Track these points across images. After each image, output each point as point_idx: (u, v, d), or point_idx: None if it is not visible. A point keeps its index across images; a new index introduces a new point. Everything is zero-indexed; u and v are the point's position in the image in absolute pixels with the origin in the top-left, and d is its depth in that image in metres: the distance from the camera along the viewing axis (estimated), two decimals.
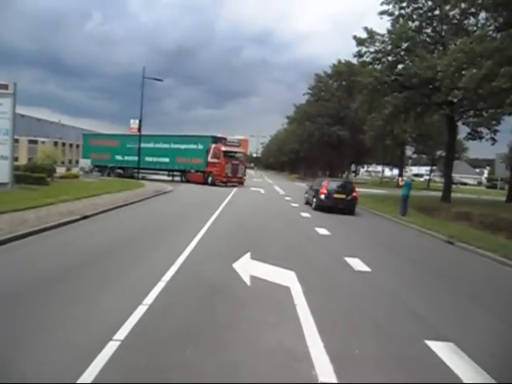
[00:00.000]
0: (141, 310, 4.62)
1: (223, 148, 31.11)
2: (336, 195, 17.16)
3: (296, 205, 19.58)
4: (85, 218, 11.58)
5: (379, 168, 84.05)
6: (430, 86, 22.52)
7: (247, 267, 6.85)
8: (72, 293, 5.20)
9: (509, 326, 5.08)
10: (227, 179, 31.18)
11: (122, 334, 3.98)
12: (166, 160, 33.98)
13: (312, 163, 71.03)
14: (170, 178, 34.37)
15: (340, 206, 17.05)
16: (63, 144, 60.95)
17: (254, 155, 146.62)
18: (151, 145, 35.01)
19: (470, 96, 18.69)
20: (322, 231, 11.61)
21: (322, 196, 17.28)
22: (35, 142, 52.67)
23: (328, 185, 17.61)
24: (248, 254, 7.72)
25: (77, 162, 44.87)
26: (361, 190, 37.60)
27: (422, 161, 79.21)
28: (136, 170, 32.98)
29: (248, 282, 6.09)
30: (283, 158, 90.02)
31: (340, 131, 52.27)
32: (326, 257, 8.51)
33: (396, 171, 66.33)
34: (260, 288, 5.86)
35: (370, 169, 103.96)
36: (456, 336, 4.45)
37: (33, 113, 67.71)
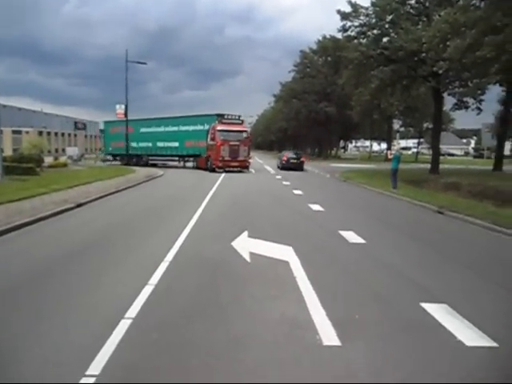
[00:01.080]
0: (148, 290, 4.77)
1: (218, 127, 26.20)
2: (291, 160, 30.84)
3: (287, 183, 19.75)
4: (79, 205, 11.61)
5: (368, 143, 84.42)
6: (416, 59, 22.58)
7: (245, 245, 7.02)
8: (78, 278, 5.33)
9: (498, 286, 5.34)
10: (224, 163, 25.89)
11: (132, 312, 4.13)
12: (176, 144, 30.85)
13: (300, 141, 71.03)
14: (180, 165, 31.36)
15: (292, 166, 30.22)
16: (48, 133, 59.89)
17: None
18: (161, 129, 32.17)
19: (455, 67, 18.80)
20: (316, 207, 11.81)
21: (284, 161, 31.37)
22: (19, 132, 51.68)
23: (287, 154, 32.20)
24: (245, 233, 7.89)
25: (63, 150, 44.33)
26: (350, 165, 38.13)
27: (409, 134, 79.72)
28: (150, 157, 32.00)
29: (248, 258, 6.27)
30: (271, 137, 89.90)
31: (327, 107, 52.20)
32: (321, 231, 8.73)
33: (384, 145, 66.72)
34: (260, 264, 6.05)
35: (358, 144, 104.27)
36: (449, 298, 4.68)
37: (14, 102, 66.13)
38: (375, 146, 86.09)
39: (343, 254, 6.87)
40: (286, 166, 30.32)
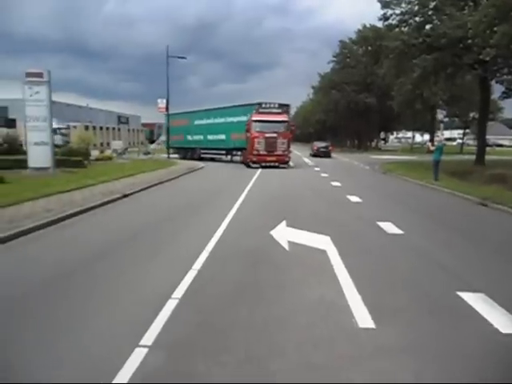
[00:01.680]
0: (192, 274, 5.10)
1: (253, 117, 23.81)
2: (321, 149, 39.18)
3: (325, 175, 19.74)
4: (125, 196, 12.25)
5: (410, 134, 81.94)
6: (461, 46, 21.74)
7: (284, 234, 7.24)
8: (129, 262, 5.76)
9: None
10: (259, 158, 23.63)
11: (178, 293, 4.47)
12: (223, 137, 28.64)
13: (339, 133, 70.07)
14: (228, 159, 29.11)
15: (322, 154, 38.13)
16: (94, 127, 62.34)
17: None
18: (211, 120, 30.21)
19: (502, 53, 18.00)
20: (354, 198, 11.84)
21: (314, 149, 39.91)
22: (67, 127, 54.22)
23: (317, 144, 40.98)
24: (284, 222, 8.10)
25: (108, 144, 46.09)
26: (390, 157, 37.35)
27: (454, 124, 76.54)
28: (202, 151, 30.90)
29: (286, 247, 6.49)
30: (310, 130, 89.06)
31: (367, 98, 51.23)
32: (359, 222, 8.78)
33: (427, 136, 64.56)
34: (298, 252, 6.26)
35: (400, 135, 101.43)
36: (487, 288, 4.69)
37: (61, 98, 69.22)
38: (418, 137, 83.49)
39: (380, 244, 6.93)
40: (316, 154, 38.72)
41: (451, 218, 9.80)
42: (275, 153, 23.84)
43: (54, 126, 33.12)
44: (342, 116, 57.24)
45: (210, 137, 30.17)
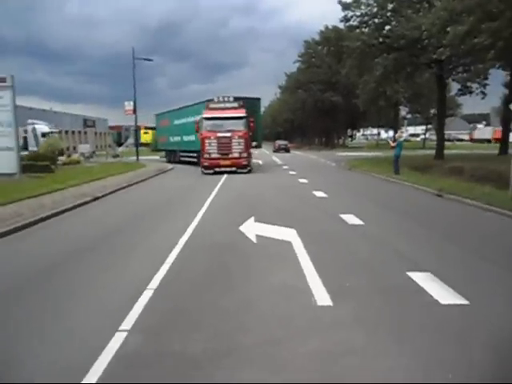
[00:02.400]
0: (165, 267, 5.45)
1: (204, 114, 20.57)
2: (282, 146, 48.81)
3: (293, 172, 20.32)
4: (96, 199, 12.35)
5: (375, 131, 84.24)
6: (418, 46, 22.81)
7: (252, 228, 7.66)
8: (104, 258, 6.05)
9: (480, 257, 5.89)
10: (211, 162, 19.95)
11: (153, 284, 4.81)
12: (193, 138, 24.49)
13: (307, 131, 71.29)
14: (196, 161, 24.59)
15: (282, 149, 47.41)
16: (59, 132, 60.95)
17: None
18: (184, 119, 27.13)
19: (456, 53, 19.09)
20: (320, 194, 12.40)
21: (276, 147, 49.53)
22: None
23: (278, 142, 51.62)
24: (252, 218, 8.50)
25: (74, 148, 45.25)
26: (356, 154, 38.47)
27: (417, 120, 79.28)
28: (180, 153, 28.48)
29: (254, 240, 6.91)
30: (278, 129, 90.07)
31: (333, 97, 52.43)
32: (323, 215, 9.30)
33: (392, 133, 66.63)
34: (265, 244, 6.69)
35: (367, 132, 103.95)
36: (434, 268, 5.25)
37: (23, 102, 67.17)
38: (383, 134, 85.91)
39: (342, 234, 7.46)
40: (277, 150, 48.38)
41: (409, 208, 10.47)
42: (230, 155, 19.94)
43: (47, 130, 33.07)
44: (309, 115, 58.33)
45: (185, 138, 27.21)
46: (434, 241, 6.94)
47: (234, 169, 19.87)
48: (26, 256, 6.42)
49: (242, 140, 19.97)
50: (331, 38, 48.16)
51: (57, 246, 7.04)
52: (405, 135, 40.72)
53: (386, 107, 49.27)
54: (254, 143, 22.87)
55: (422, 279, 4.87)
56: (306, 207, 10.45)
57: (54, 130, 34.13)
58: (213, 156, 19.97)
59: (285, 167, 24.54)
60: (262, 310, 4.16)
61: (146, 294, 4.51)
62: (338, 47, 39.48)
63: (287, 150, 47.67)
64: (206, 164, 20.15)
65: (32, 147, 30.13)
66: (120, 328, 3.73)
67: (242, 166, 20.06)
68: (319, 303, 4.24)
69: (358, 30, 25.05)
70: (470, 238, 7.12)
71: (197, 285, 4.89)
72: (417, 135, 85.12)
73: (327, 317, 3.94)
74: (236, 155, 20.02)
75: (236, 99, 21.10)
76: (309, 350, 3.34)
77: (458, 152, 33.48)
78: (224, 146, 19.90)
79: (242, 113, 20.32)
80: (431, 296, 4.39)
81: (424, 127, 68.23)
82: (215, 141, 19.90)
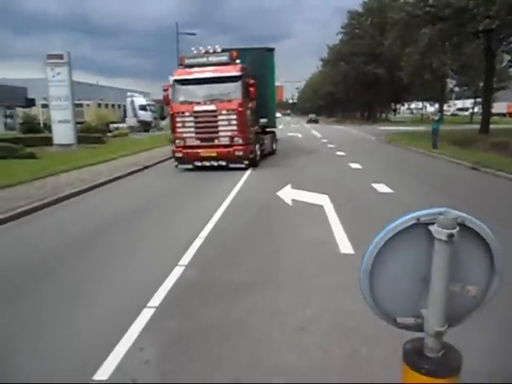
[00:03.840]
0: (214, 219, 6.49)
1: (175, 75, 13.16)
2: (312, 118, 68.04)
3: (331, 145, 20.69)
4: (146, 167, 13.53)
5: (421, 105, 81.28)
6: (466, 16, 22.05)
7: (288, 193, 8.45)
8: (162, 212, 7.08)
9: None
10: (187, 153, 12.66)
11: (204, 234, 5.79)
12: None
13: (349, 105, 70.10)
14: None
15: (313, 121, 63.66)
16: (106, 105, 63.50)
17: (290, 101, 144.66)
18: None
19: (505, 22, 18.42)
20: (355, 165, 12.92)
21: (308, 119, 68.56)
22: (80, 105, 55.47)
23: (310, 116, 70.93)
24: (289, 185, 9.28)
25: (120, 121, 47.17)
26: (398, 128, 37.81)
27: (465, 94, 75.72)
28: None
29: (290, 203, 7.70)
30: (319, 102, 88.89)
31: (376, 69, 51.10)
32: (355, 184, 9.91)
33: (437, 106, 64.20)
34: (299, 206, 7.47)
35: (412, 106, 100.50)
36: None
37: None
38: (429, 108, 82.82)
39: (371, 200, 8.08)
40: (309, 121, 64.74)
41: (439, 179, 10.81)
42: (216, 142, 12.44)
43: (143, 103, 36.09)
44: (350, 88, 57.26)
45: None
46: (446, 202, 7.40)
47: (222, 163, 12.37)
48: (102, 207, 7.74)
49: (234, 116, 12.11)
50: (374, 9, 46.64)
51: (119, 203, 8.20)
52: (438, 114, 39.14)
53: (431, 80, 47.60)
54: (262, 120, 14.24)
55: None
56: (341, 177, 11.06)
57: (150, 103, 37.56)
58: (188, 143, 12.37)
59: (323, 140, 24.87)
60: (293, 255, 5.00)
61: (198, 241, 5.47)
62: (381, 18, 38.36)
63: (316, 121, 64.48)
64: (178, 155, 12.53)
65: (130, 118, 33.29)
66: (179, 263, 4.69)
67: (236, 159, 12.32)
68: (342, 251, 5.00)
69: (401, 0, 24.43)
70: (483, 201, 7.51)
71: (239, 236, 5.80)
72: (465, 109, 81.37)
73: (348, 261, 4.68)
74: (226, 141, 12.23)
75: (226, 51, 13.17)
76: (331, 283, 4.14)
77: (506, 127, 32.24)
78: (205, 126, 12.24)
79: (235, 71, 12.32)
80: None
81: (473, 101, 65.34)
82: (191, 118, 12.26)
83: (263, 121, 14.60)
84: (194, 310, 3.68)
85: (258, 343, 3.15)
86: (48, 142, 19.82)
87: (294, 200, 7.91)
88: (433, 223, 1.17)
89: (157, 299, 3.86)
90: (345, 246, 5.16)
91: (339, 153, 16.96)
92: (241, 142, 12.17)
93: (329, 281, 4.19)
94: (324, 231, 5.85)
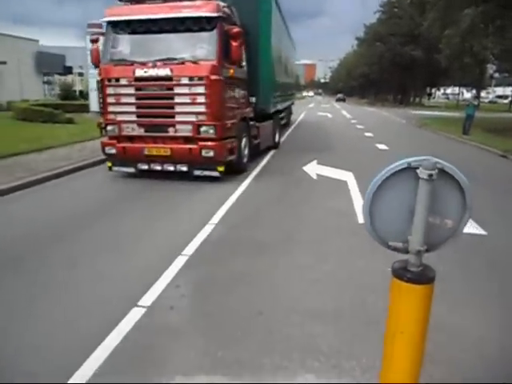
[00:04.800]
0: (243, 186, 7.01)
1: (107, 15, 7.62)
2: (340, 97, 75.14)
3: (361, 126, 20.69)
4: None
5: (457, 90, 78.58)
6: None
7: (314, 169, 8.80)
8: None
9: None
10: (124, 148, 7.65)
11: (234, 197, 6.26)
12: None
13: (382, 87, 68.57)
14: None
15: (340, 100, 71.49)
16: None
17: (322, 80, 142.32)
18: None
19: None
20: (382, 146, 13.05)
21: (336, 98, 75.83)
22: None
23: (338, 95, 78.97)
24: (315, 161, 9.61)
25: None
26: (431, 113, 37.09)
27: (506, 81, 72.65)
28: None
29: (315, 177, 8.07)
30: (352, 83, 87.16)
31: (413, 51, 49.69)
32: (380, 164, 9.95)
33: (474, 92, 62.02)
34: (323, 181, 7.83)
35: (448, 91, 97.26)
36: None
37: None
38: (466, 94, 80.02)
39: None
40: (337, 100, 71.53)
41: (464, 163, 10.81)
42: (171, 132, 7.46)
43: None
44: (385, 69, 55.95)
45: None
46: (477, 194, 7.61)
47: (182, 168, 7.60)
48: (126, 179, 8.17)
49: (202, 89, 7.17)
50: None
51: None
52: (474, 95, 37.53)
53: (471, 64, 45.97)
54: (252, 99, 9.33)
55: None
56: (367, 157, 11.26)
57: None
58: (126, 131, 7.70)
59: (353, 121, 24.81)
60: (314, 221, 5.42)
61: (227, 204, 5.96)
62: None
63: (344, 100, 72.71)
64: (111, 151, 7.88)
65: None
66: (209, 222, 5.18)
67: (204, 162, 7.52)
68: (360, 221, 5.37)
69: None
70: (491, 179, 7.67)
71: (265, 202, 6.25)
72: (504, 97, 78.20)
73: (365, 231, 5.05)
74: (185, 131, 7.40)
75: None
76: (347, 246, 4.55)
77: None
78: (153, 104, 7.48)
79: (207, 10, 7.32)
80: None
81: None
82: (130, 90, 7.49)
83: (252, 98, 9.29)
84: (223, 260, 4.18)
85: (278, 288, 3.62)
86: (85, 109, 20.67)
87: (318, 175, 8.26)
88: (419, 167, 1.54)
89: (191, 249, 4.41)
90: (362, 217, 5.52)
91: (367, 134, 17.03)
92: (212, 133, 7.16)
93: (345, 244, 4.60)
94: (345, 203, 6.21)
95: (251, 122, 9.17)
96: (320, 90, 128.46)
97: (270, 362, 2.65)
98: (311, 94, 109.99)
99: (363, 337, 2.89)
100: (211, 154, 7.18)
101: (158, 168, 7.60)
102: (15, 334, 2.94)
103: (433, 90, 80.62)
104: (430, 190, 1.51)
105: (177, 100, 7.16)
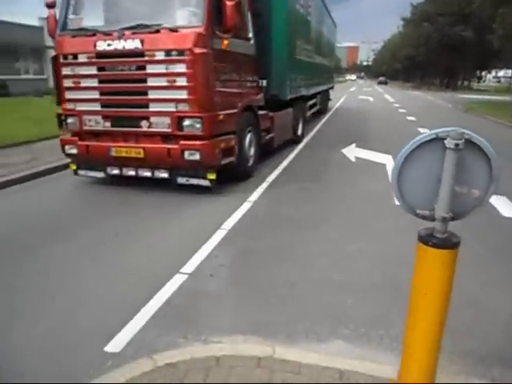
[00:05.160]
0: (283, 164, 7.29)
1: None
2: (381, 80, 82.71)
3: (403, 110, 20.15)
4: None
5: (511, 73, 74.12)
6: None
7: (353, 151, 8.80)
8: None
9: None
10: (90, 149, 5.84)
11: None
12: None
13: (429, 70, 65.85)
14: None
15: (382, 83, 78.11)
16: None
17: (365, 63, 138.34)
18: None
19: None
20: (424, 130, 12.72)
21: (378, 81, 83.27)
22: None
23: (380, 78, 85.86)
24: (354, 144, 9.58)
25: None
26: (480, 97, 35.38)
27: None
28: None
29: (353, 159, 8.09)
30: (397, 66, 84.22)
31: (463, 31, 47.26)
32: None
33: None
34: (361, 163, 7.85)
35: (500, 74, 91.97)
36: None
37: None
38: None
39: None
40: (379, 83, 77.11)
41: (505, 147, 10.45)
42: (145, 126, 5.51)
43: None
44: (433, 51, 53.62)
45: None
46: None
47: (162, 174, 5.73)
48: None
49: (183, 65, 5.16)
50: None
51: None
52: None
53: None
54: (262, 82, 7.33)
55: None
56: (407, 140, 11.03)
57: None
58: (89, 125, 5.84)
59: (395, 105, 24.20)
60: (351, 202, 5.51)
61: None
62: None
63: (385, 83, 77.29)
64: (71, 151, 6.03)
65: None
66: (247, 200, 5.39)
67: (189, 167, 5.57)
68: (396, 203, 5.38)
69: None
70: None
71: (303, 181, 6.38)
72: None
73: (400, 212, 5.04)
74: (162, 125, 5.44)
75: None
76: (381, 227, 4.64)
77: None
78: (120, 89, 5.52)
79: None
80: None
81: None
82: (91, 70, 5.60)
83: (263, 82, 7.36)
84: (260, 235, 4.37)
85: (311, 261, 3.78)
86: None
87: (357, 157, 8.26)
88: (447, 138, 1.62)
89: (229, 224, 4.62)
90: None
91: (410, 118, 16.60)
92: (198, 128, 5.32)
93: (380, 225, 4.68)
94: (382, 186, 6.21)
95: (261, 112, 7.14)
96: (362, 74, 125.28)
97: (302, 327, 2.82)
98: (353, 77, 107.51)
99: (394, 309, 2.99)
100: (197, 156, 5.25)
101: (131, 173, 5.76)
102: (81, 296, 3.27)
103: (483, 73, 76.56)
104: (457, 160, 1.59)
105: (150, 83, 5.22)
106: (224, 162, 5.64)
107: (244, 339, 2.67)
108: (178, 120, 5.21)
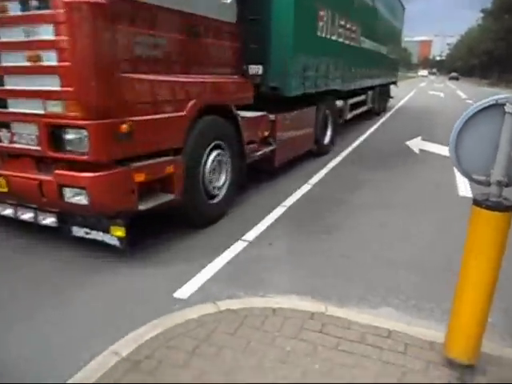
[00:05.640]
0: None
1: None
2: (453, 76, 77.63)
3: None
4: None
5: None
6: None
7: (417, 144, 8.66)
8: None
9: None
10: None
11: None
12: None
13: (508, 66, 61.25)
14: None
15: (453, 79, 73.22)
16: None
17: (438, 58, 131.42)
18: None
19: None
20: None
21: (449, 77, 78.99)
22: None
23: (451, 74, 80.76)
24: (419, 137, 9.38)
25: None
26: None
27: None
28: None
29: (417, 151, 7.99)
30: (473, 61, 79.21)
31: None
32: None
33: None
34: (426, 155, 7.74)
35: None
36: None
37: None
38: None
39: None
40: (450, 78, 73.52)
41: None
42: (5, 141, 3.16)
43: None
44: None
45: None
46: None
47: (49, 219, 3.29)
48: None
49: (51, 30, 2.68)
50: None
51: None
52: None
53: None
54: (252, 67, 4.74)
55: None
56: None
57: None
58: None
59: (468, 101, 22.88)
60: (412, 191, 5.52)
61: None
62: None
63: (457, 79, 74.19)
64: None
65: None
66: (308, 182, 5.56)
67: (78, 211, 3.14)
68: (460, 194, 5.32)
69: None
70: None
71: (365, 169, 6.45)
72: None
73: (463, 202, 4.94)
74: (25, 140, 3.05)
75: None
76: (443, 214, 4.63)
77: None
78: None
79: None
80: None
81: None
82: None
83: (254, 68, 4.80)
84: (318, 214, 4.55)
85: (368, 241, 3.89)
86: None
87: (421, 150, 8.12)
88: (506, 103, 1.69)
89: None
90: (464, 190, 5.45)
91: None
92: (82, 146, 2.83)
93: (442, 212, 4.66)
94: (446, 177, 6.10)
95: (248, 114, 4.75)
96: (434, 70, 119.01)
97: (355, 293, 2.97)
98: (425, 73, 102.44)
99: (447, 286, 3.03)
100: (82, 198, 2.92)
101: (7, 213, 3.49)
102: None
103: None
104: None
105: (4, 62, 3.00)
106: (145, 206, 3.19)
107: (298, 298, 2.87)
108: (48, 130, 2.90)
